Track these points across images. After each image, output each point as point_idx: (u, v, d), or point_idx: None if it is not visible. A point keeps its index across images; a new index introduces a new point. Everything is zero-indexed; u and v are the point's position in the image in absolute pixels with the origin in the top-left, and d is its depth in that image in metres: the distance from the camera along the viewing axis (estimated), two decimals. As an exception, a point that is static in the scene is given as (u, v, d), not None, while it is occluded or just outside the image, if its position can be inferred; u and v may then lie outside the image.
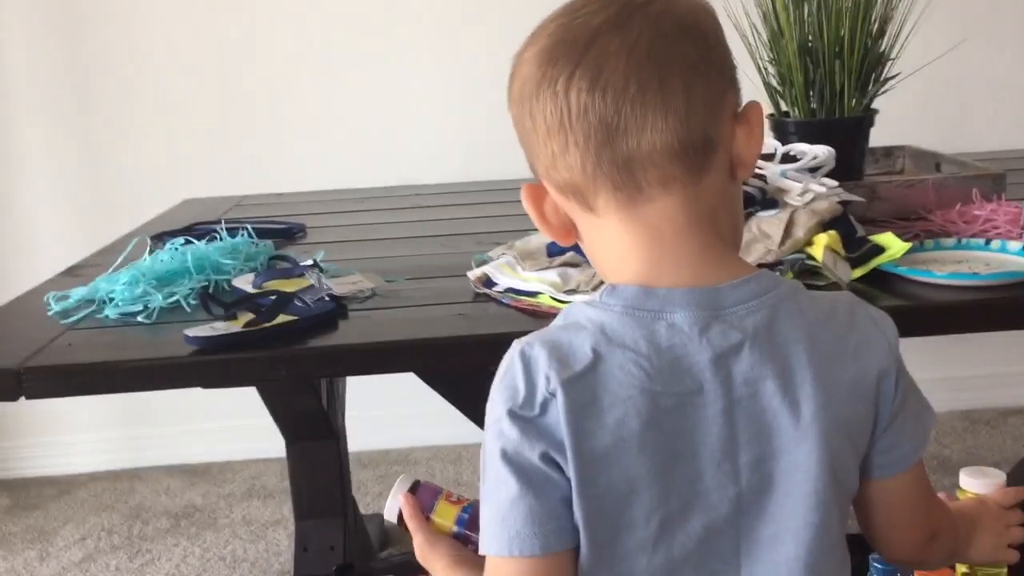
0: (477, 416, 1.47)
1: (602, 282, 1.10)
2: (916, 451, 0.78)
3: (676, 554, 0.71)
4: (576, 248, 1.17)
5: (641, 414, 0.68)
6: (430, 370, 1.31)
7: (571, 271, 1.12)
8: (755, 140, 0.74)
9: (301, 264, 1.26)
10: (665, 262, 0.72)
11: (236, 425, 2.30)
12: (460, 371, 1.37)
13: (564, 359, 0.68)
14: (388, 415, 2.29)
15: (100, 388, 1.04)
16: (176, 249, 1.29)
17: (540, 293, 1.09)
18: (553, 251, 1.18)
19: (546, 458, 0.68)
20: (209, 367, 1.01)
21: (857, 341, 0.73)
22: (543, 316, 1.06)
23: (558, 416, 0.68)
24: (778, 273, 0.87)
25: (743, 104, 0.74)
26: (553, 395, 0.68)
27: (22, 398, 1.00)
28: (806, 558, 0.72)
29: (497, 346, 1.06)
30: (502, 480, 0.69)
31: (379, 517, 2.01)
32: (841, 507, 0.74)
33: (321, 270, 1.22)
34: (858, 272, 1.09)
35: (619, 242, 0.73)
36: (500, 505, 0.69)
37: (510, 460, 0.69)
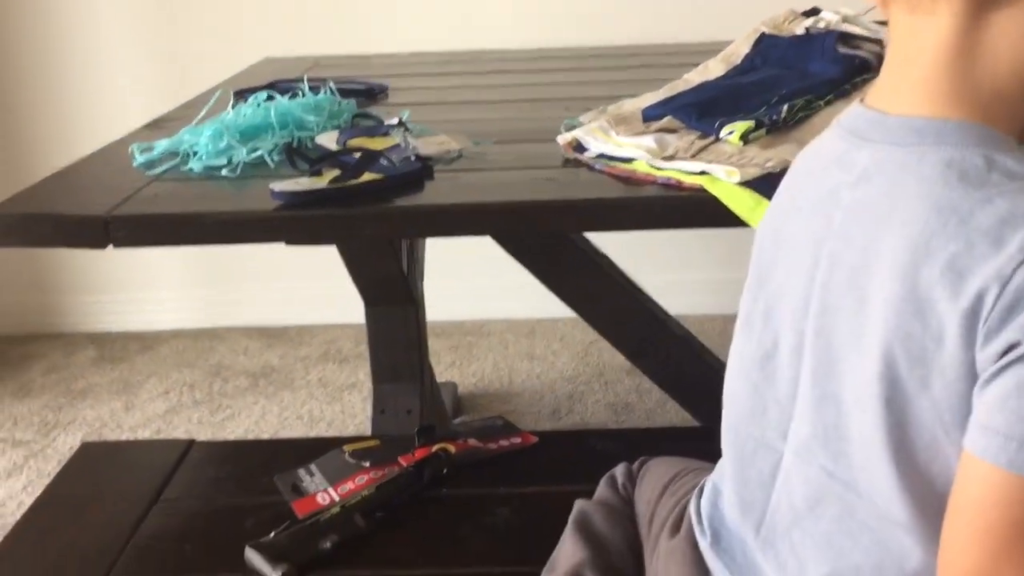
0: (556, 286, 1.45)
1: (701, 149, 1.06)
2: (982, 438, 0.56)
3: (747, 356, 0.73)
4: (675, 111, 1.13)
5: (769, 217, 0.74)
6: (517, 233, 1.28)
7: (668, 137, 1.06)
8: None
9: (386, 123, 1.22)
10: (882, 82, 0.67)
11: (313, 290, 2.32)
12: (546, 238, 1.34)
13: None
14: (464, 286, 2.28)
15: (187, 239, 1.03)
16: (259, 104, 1.27)
17: (635, 159, 1.04)
18: (649, 116, 1.12)
19: None
20: (294, 223, 0.99)
21: (954, 253, 0.57)
22: (637, 183, 1.01)
23: None
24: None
25: None
26: None
27: (109, 247, 1.00)
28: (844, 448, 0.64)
29: (587, 211, 1.03)
30: None
31: (452, 385, 2.03)
32: (906, 422, 0.60)
33: (407, 129, 1.18)
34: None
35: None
36: None
37: None
